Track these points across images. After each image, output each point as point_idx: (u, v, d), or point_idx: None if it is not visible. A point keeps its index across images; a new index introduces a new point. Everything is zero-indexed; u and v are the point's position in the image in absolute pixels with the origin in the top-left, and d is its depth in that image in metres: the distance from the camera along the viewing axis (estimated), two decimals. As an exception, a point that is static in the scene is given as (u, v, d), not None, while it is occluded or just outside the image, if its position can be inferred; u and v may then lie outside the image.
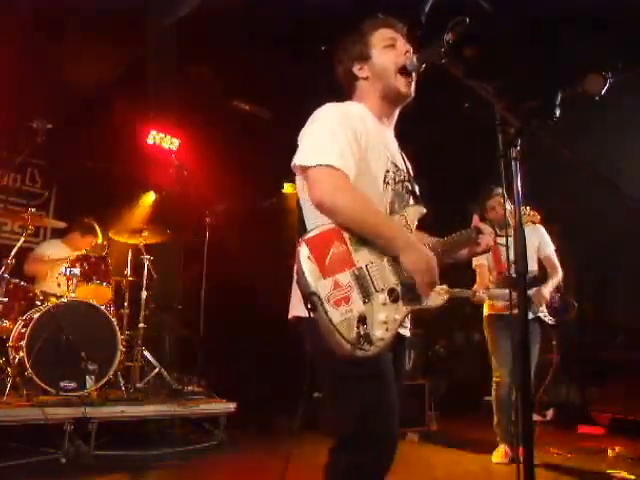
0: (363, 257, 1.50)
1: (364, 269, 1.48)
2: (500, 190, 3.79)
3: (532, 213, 3.76)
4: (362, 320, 1.41)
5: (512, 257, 1.48)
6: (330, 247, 1.46)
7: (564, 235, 5.89)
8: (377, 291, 1.48)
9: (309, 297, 1.39)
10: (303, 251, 1.42)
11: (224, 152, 6.00)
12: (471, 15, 1.50)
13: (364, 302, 1.44)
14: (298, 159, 1.58)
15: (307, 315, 1.41)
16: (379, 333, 1.43)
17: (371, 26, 1.81)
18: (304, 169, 1.56)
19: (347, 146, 1.56)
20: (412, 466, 3.70)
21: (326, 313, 1.38)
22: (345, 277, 1.44)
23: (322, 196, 1.50)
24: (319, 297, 1.38)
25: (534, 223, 3.81)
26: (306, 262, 1.41)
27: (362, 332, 1.39)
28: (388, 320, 1.46)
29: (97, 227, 5.05)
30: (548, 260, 4.02)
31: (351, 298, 1.43)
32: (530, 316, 3.73)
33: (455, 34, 1.53)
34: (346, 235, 1.49)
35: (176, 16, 4.70)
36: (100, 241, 5.04)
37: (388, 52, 1.76)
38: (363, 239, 1.51)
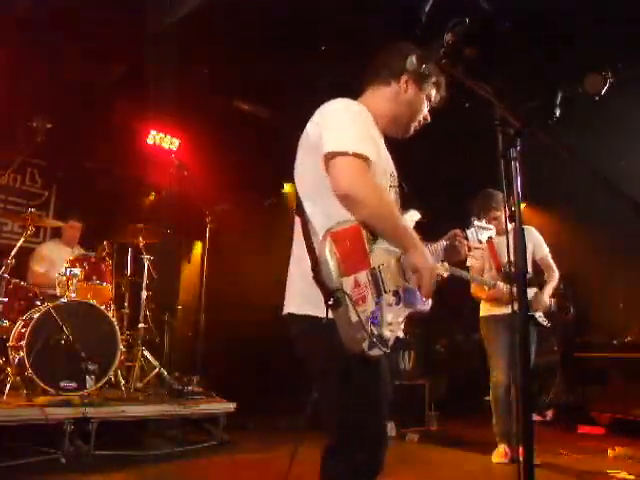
0: (377, 258, 1.49)
1: (377, 270, 1.47)
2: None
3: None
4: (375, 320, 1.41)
5: (510, 257, 1.48)
6: (352, 244, 1.44)
7: (564, 235, 5.90)
8: (386, 292, 1.48)
9: (334, 293, 1.35)
10: (327, 245, 1.39)
11: (224, 152, 6.00)
12: (471, 15, 1.50)
13: (376, 303, 1.44)
14: (331, 146, 1.48)
15: (308, 313, 1.40)
16: (386, 334, 1.44)
17: (441, 72, 1.78)
18: (332, 156, 1.47)
19: (372, 142, 1.56)
20: (412, 466, 3.70)
21: (348, 311, 1.36)
22: (363, 276, 1.43)
23: (350, 185, 1.44)
24: (346, 293, 1.36)
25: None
26: (330, 256, 1.38)
27: (376, 332, 1.40)
28: (393, 322, 1.47)
29: (78, 210, 5.02)
30: (544, 262, 4.02)
31: (367, 298, 1.42)
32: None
33: (455, 34, 1.52)
34: (364, 234, 1.47)
35: (176, 16, 4.69)
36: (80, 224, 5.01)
37: (424, 102, 1.78)
38: (377, 240, 1.50)
